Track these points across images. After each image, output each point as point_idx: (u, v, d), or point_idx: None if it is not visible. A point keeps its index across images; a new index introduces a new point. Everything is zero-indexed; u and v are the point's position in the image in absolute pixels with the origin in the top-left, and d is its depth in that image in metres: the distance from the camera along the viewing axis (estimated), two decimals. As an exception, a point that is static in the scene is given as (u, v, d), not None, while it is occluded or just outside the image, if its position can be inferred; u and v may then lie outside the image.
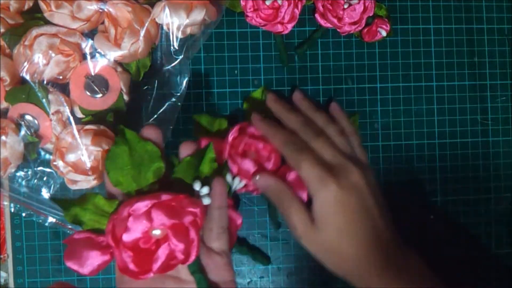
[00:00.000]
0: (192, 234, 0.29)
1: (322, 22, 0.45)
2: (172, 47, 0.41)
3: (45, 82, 0.40)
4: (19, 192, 0.43)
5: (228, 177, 0.40)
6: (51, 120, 0.40)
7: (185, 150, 0.34)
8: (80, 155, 0.39)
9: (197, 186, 0.32)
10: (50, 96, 0.40)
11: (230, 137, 0.41)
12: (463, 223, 0.49)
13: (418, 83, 0.49)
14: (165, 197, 0.28)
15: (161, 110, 0.43)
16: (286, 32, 0.44)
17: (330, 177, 0.38)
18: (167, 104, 0.43)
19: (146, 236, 0.28)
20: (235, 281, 0.35)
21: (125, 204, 0.29)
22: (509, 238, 0.50)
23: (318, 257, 0.39)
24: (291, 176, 0.41)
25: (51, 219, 0.44)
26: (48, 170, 0.42)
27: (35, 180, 0.43)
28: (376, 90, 0.48)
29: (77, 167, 0.40)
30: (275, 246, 0.48)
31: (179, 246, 0.29)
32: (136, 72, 0.43)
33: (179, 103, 0.43)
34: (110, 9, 0.39)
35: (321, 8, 0.45)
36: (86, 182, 0.40)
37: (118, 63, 0.41)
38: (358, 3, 0.44)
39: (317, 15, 0.45)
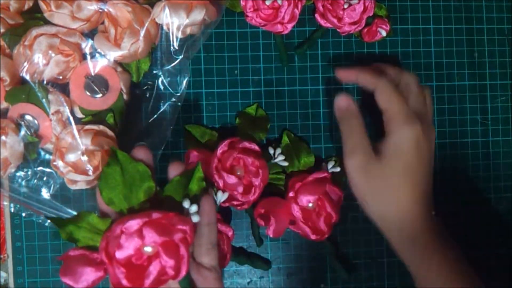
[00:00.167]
0: (182, 250, 0.31)
1: (322, 22, 0.45)
2: (172, 47, 0.41)
3: (45, 82, 0.40)
4: (19, 192, 0.43)
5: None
6: (51, 120, 0.40)
7: (174, 170, 0.35)
8: (80, 155, 0.39)
9: (186, 204, 0.33)
10: (50, 96, 0.40)
11: (219, 151, 0.42)
12: (463, 223, 0.49)
13: (418, 83, 0.49)
14: (155, 215, 0.30)
15: (161, 110, 0.43)
16: (286, 32, 0.44)
17: (417, 118, 0.39)
18: (167, 104, 0.43)
19: (138, 253, 0.30)
20: None
21: (117, 222, 0.30)
22: (509, 238, 0.50)
23: (367, 191, 0.40)
24: (297, 185, 0.43)
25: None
26: (48, 170, 0.42)
27: (35, 180, 0.43)
28: (376, 90, 0.48)
29: (77, 167, 0.40)
30: (275, 246, 0.48)
31: (170, 263, 0.30)
32: (136, 72, 0.43)
33: (179, 103, 0.44)
34: (110, 9, 0.39)
35: (321, 8, 0.45)
36: (86, 182, 0.40)
37: (118, 63, 0.41)
38: (358, 3, 0.44)
39: (317, 15, 0.45)
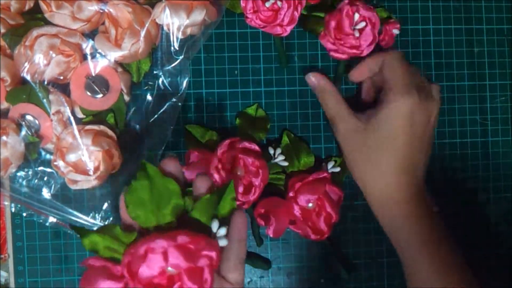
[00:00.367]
0: (206, 274, 0.30)
1: (342, 57, 0.44)
2: (172, 48, 0.42)
3: (45, 82, 0.40)
4: (20, 192, 0.43)
5: None
6: (51, 120, 0.41)
7: (201, 184, 0.33)
8: (80, 155, 0.40)
9: (215, 226, 0.32)
10: (51, 96, 0.40)
11: (219, 151, 0.42)
12: (463, 223, 0.49)
13: (417, 83, 0.49)
14: (182, 239, 0.29)
15: (162, 110, 0.43)
16: (285, 34, 0.44)
17: (415, 89, 0.38)
18: (167, 104, 0.43)
19: (161, 273, 0.29)
20: None
21: (143, 241, 0.29)
22: (509, 238, 0.50)
23: (351, 158, 0.41)
24: (297, 185, 0.43)
25: (51, 219, 0.44)
26: (49, 170, 0.43)
27: (36, 180, 0.43)
28: (376, 90, 0.48)
29: (77, 167, 0.40)
30: (275, 246, 0.48)
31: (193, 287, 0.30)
32: (136, 73, 0.43)
33: (179, 103, 0.44)
34: (111, 10, 0.40)
35: (333, 46, 0.44)
36: (87, 182, 0.40)
37: (118, 63, 0.42)
38: (366, 25, 0.42)
39: (332, 53, 0.44)
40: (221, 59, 0.47)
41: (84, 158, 0.40)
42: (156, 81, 0.43)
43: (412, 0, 0.49)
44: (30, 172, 0.43)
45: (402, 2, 0.49)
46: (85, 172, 0.40)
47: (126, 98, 0.42)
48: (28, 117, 0.41)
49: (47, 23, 0.40)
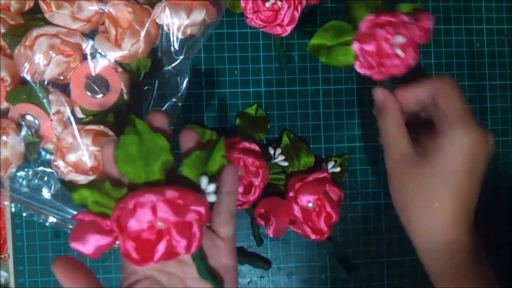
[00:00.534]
0: (195, 229, 0.30)
1: (385, 77, 0.39)
2: (172, 48, 0.42)
3: (45, 82, 0.40)
4: (20, 192, 0.43)
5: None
6: (51, 120, 0.41)
7: (188, 139, 0.32)
8: (80, 155, 0.40)
9: (204, 183, 0.32)
10: (51, 96, 0.40)
11: None
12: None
13: (417, 84, 0.49)
14: (171, 193, 0.29)
15: (162, 110, 0.43)
16: (285, 34, 0.44)
17: (475, 120, 0.34)
18: (167, 104, 0.43)
19: (150, 227, 0.29)
20: (236, 268, 0.34)
21: (131, 195, 0.29)
22: (509, 238, 0.50)
23: (400, 195, 0.36)
24: (297, 185, 0.43)
25: (51, 219, 0.44)
26: (48, 170, 0.43)
27: (36, 180, 0.43)
28: (376, 91, 0.48)
29: (77, 167, 0.40)
30: (275, 246, 0.48)
31: (182, 242, 0.30)
32: (136, 73, 0.43)
33: (180, 103, 0.44)
34: (111, 10, 0.40)
35: (375, 71, 0.38)
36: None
37: (118, 63, 0.42)
38: (405, 38, 0.36)
39: (375, 76, 0.38)
40: (221, 59, 0.47)
41: (84, 158, 0.40)
42: (156, 81, 0.43)
43: (412, 0, 0.49)
44: (30, 172, 0.43)
45: (402, 2, 0.48)
46: (85, 172, 0.40)
47: (126, 98, 0.42)
48: (28, 117, 0.41)
49: (47, 23, 0.40)
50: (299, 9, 0.44)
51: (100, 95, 0.41)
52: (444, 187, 0.34)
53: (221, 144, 0.33)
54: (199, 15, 0.40)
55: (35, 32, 0.39)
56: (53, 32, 0.39)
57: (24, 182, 0.43)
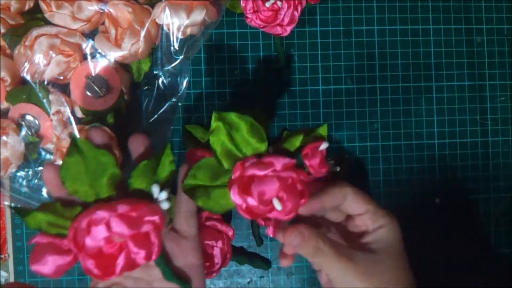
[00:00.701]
0: (153, 237, 0.31)
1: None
2: (172, 48, 0.42)
3: (45, 82, 0.40)
4: (20, 192, 0.43)
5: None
6: (51, 120, 0.41)
7: (136, 144, 0.32)
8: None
9: (155, 191, 0.32)
10: (51, 96, 0.40)
11: None
12: (463, 223, 0.49)
13: (417, 84, 0.49)
14: (123, 208, 0.30)
15: (161, 110, 0.43)
16: (285, 34, 0.44)
17: (384, 208, 0.35)
18: (167, 104, 0.43)
19: (107, 242, 0.30)
20: (203, 265, 0.34)
21: (83, 214, 0.30)
22: (508, 238, 0.50)
23: None
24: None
25: (51, 219, 0.44)
26: (48, 170, 0.43)
27: (36, 180, 0.43)
28: (376, 91, 0.48)
29: (77, 167, 0.40)
30: (275, 246, 0.48)
31: (140, 253, 0.30)
32: (136, 73, 0.43)
33: (179, 103, 0.44)
34: (111, 10, 0.40)
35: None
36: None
37: (118, 63, 0.42)
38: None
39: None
40: (221, 59, 0.47)
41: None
42: (156, 81, 0.44)
43: (412, 0, 0.49)
44: (30, 172, 0.43)
45: (402, 2, 0.49)
46: (85, 172, 0.40)
47: (126, 98, 0.42)
48: (28, 117, 0.41)
49: (47, 23, 0.40)
50: (299, 9, 0.44)
51: (100, 95, 0.41)
52: (401, 272, 0.35)
53: (168, 150, 0.33)
54: (199, 15, 0.40)
55: (35, 32, 0.39)
56: (53, 32, 0.39)
57: (24, 182, 0.43)
